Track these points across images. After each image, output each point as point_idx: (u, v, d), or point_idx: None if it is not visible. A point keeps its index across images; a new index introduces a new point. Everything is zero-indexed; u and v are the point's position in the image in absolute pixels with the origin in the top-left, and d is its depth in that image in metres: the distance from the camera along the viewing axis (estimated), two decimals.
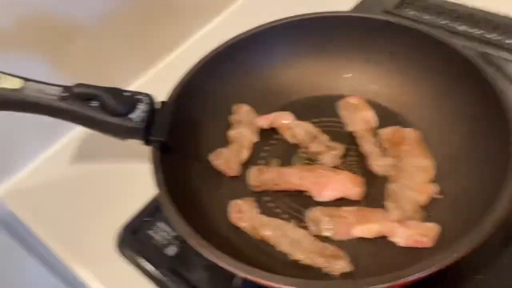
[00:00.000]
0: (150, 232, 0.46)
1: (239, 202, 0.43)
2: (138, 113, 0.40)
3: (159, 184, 0.38)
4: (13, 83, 0.37)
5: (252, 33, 0.49)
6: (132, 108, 0.40)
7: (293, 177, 0.44)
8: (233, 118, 0.49)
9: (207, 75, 0.47)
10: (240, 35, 0.48)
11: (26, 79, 0.38)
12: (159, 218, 0.46)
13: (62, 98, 0.38)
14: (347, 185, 0.43)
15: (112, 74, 0.55)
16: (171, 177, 0.39)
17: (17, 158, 0.53)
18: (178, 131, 0.44)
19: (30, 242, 0.53)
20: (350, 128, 0.48)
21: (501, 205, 0.34)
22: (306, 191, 0.44)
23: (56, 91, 0.38)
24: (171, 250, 0.44)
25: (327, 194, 0.43)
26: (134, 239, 0.46)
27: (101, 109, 0.39)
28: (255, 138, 0.48)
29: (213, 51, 0.47)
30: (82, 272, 0.46)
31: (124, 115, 0.39)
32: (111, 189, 0.50)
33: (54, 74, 0.48)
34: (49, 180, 0.53)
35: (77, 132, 0.54)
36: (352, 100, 0.49)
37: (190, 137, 0.46)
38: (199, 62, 0.47)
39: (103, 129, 0.40)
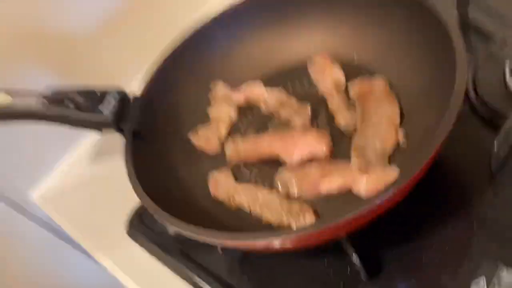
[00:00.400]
0: None
1: (215, 173, 0.46)
2: (108, 107, 0.44)
3: (127, 164, 0.42)
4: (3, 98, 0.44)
5: (218, 16, 0.51)
6: (102, 103, 0.44)
7: (264, 144, 0.46)
8: (211, 95, 0.52)
9: (179, 61, 0.50)
10: (205, 20, 0.51)
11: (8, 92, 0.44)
12: None
13: (43, 105, 0.44)
14: (313, 144, 0.44)
15: (115, 75, 0.60)
16: (142, 160, 0.43)
17: (42, 166, 0.60)
18: (155, 118, 0.48)
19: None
20: (320, 87, 0.48)
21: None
22: (279, 157, 0.45)
23: (38, 99, 0.44)
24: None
25: (295, 155, 0.44)
26: (143, 224, 0.51)
27: (74, 108, 0.44)
28: (233, 115, 0.51)
29: (181, 38, 0.50)
30: (101, 259, 0.52)
31: (94, 110, 0.44)
32: (121, 185, 0.55)
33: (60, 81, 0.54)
34: (71, 181, 0.60)
35: (91, 139, 0.61)
36: (318, 59, 0.49)
37: (169, 121, 0.50)
38: (167, 51, 0.50)
39: (79, 125, 0.45)
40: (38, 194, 0.59)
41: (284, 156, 0.45)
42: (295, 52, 0.51)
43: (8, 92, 0.43)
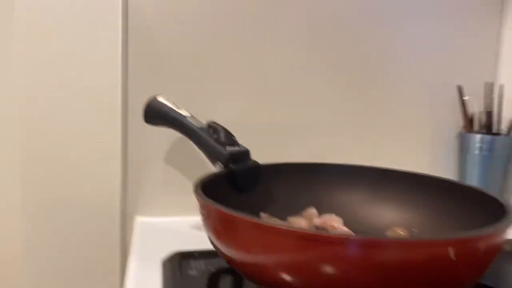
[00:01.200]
0: None
1: None
2: (232, 150, 0.58)
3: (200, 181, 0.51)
4: (185, 112, 0.64)
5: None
6: (232, 146, 0.59)
7: None
8: (303, 212, 0.59)
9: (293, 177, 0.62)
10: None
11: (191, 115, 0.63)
12: None
13: (201, 129, 0.61)
14: None
15: None
16: (211, 184, 0.52)
17: None
18: (252, 180, 0.58)
19: None
20: None
21: None
22: None
23: (199, 123, 0.62)
24: None
25: None
26: None
27: (215, 139, 0.59)
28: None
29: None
30: None
31: (224, 146, 0.58)
32: None
33: None
34: None
35: None
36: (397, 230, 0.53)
37: (260, 194, 0.59)
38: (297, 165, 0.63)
39: (208, 150, 0.59)
40: None
41: None
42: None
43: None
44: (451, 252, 0.35)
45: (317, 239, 0.36)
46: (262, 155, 0.66)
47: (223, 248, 0.42)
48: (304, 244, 0.36)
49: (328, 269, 0.36)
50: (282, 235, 0.37)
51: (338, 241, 0.36)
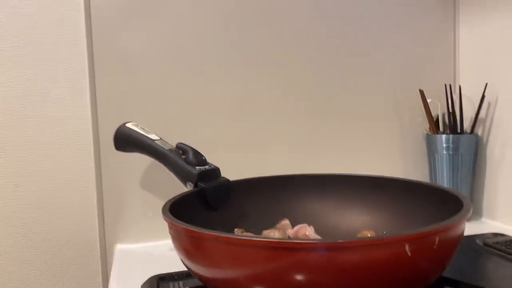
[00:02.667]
0: None
1: None
2: (201, 170, 0.59)
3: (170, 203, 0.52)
4: (154, 136, 0.65)
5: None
6: (201, 166, 0.60)
7: None
8: (277, 224, 0.60)
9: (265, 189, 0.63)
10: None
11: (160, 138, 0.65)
12: None
13: (170, 151, 0.62)
14: None
15: None
16: (183, 204, 0.53)
17: None
18: (223, 197, 0.60)
19: None
20: None
21: None
22: None
23: (167, 146, 0.63)
24: None
25: None
26: None
27: (184, 159, 0.61)
28: None
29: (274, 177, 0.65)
30: None
31: (194, 166, 0.60)
32: None
33: None
34: None
35: None
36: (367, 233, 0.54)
37: (229, 208, 0.60)
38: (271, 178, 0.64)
39: (178, 171, 0.60)
40: None
41: None
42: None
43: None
44: (407, 248, 0.37)
45: (283, 247, 0.37)
46: (236, 172, 0.68)
47: (194, 266, 0.43)
48: (269, 254, 0.38)
49: (296, 275, 0.37)
50: (248, 246, 0.38)
51: (301, 246, 0.37)
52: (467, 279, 0.55)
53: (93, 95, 0.71)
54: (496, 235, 0.72)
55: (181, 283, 0.58)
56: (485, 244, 0.67)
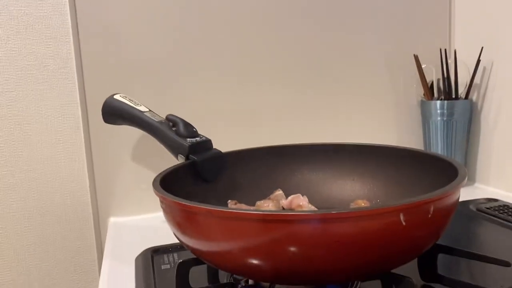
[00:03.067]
0: None
1: None
2: (193, 142, 0.58)
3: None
4: (143, 108, 0.63)
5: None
6: (192, 138, 0.59)
7: None
8: (271, 195, 0.60)
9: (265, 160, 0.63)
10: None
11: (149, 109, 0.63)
12: None
13: (160, 123, 0.61)
14: None
15: None
16: (174, 177, 0.52)
17: None
18: (216, 169, 0.59)
19: None
20: None
21: None
22: None
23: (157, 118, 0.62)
24: None
25: None
26: None
27: (174, 131, 0.59)
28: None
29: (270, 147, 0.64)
30: None
31: (185, 138, 0.58)
32: None
33: None
34: None
35: None
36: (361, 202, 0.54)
37: (221, 180, 0.59)
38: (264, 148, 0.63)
39: (169, 143, 0.59)
40: None
41: None
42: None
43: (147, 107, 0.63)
44: (402, 217, 0.36)
45: (275, 220, 0.37)
46: (228, 143, 0.67)
47: (186, 240, 0.42)
48: (262, 227, 0.37)
49: (290, 247, 0.37)
50: (240, 220, 0.37)
51: (294, 218, 0.36)
52: (461, 245, 0.55)
53: (79, 67, 0.69)
54: (489, 200, 0.72)
55: (175, 255, 0.58)
56: (479, 210, 0.67)
